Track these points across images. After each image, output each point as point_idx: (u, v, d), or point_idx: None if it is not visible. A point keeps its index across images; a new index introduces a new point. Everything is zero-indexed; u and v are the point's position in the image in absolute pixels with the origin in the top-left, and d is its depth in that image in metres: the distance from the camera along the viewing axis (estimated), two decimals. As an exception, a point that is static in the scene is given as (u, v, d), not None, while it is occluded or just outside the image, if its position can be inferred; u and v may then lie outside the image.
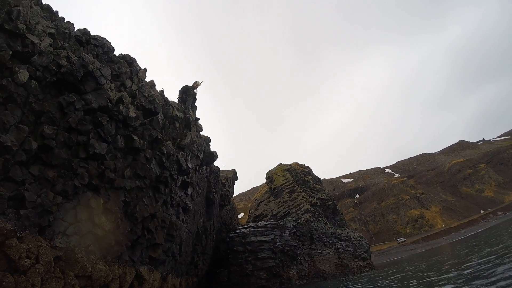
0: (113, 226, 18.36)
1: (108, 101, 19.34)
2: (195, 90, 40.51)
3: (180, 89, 40.14)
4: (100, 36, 24.06)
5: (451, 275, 19.33)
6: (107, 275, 17.21)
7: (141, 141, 21.79)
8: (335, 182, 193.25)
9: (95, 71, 19.02)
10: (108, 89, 19.90)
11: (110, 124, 19.25)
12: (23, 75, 15.25)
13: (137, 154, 21.60)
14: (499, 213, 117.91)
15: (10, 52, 15.19)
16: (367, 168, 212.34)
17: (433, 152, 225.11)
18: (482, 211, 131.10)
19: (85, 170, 17.01)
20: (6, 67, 14.92)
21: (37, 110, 15.61)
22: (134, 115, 21.59)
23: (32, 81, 15.72)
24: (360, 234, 67.62)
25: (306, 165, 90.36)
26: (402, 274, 29.54)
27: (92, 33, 23.39)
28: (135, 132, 21.73)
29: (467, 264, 21.60)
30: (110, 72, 20.80)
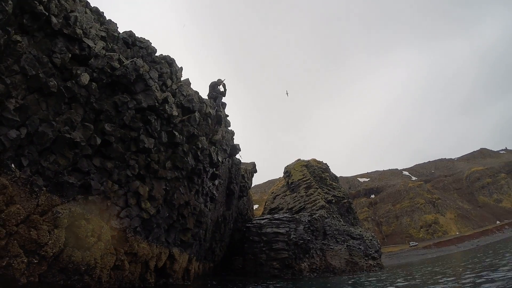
0: (155, 211, 20.98)
1: (156, 101, 21.77)
2: (219, 87, 42.34)
3: (209, 84, 42.15)
4: (144, 38, 26.53)
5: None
6: (148, 253, 20.02)
7: (181, 137, 24.26)
8: (352, 181, 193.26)
9: (145, 74, 21.40)
10: (155, 90, 22.31)
11: (156, 121, 21.74)
12: (85, 77, 17.47)
13: (176, 148, 24.14)
14: None
15: (70, 55, 17.22)
16: (385, 169, 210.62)
17: (453, 158, 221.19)
18: (498, 222, 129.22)
19: (135, 162, 19.63)
20: (66, 68, 17.03)
21: (97, 109, 18.00)
22: (177, 114, 24.10)
23: (93, 83, 17.98)
24: (373, 234, 68.94)
25: (324, 162, 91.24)
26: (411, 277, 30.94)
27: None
28: (176, 128, 24.16)
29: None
30: (157, 75, 23.28)
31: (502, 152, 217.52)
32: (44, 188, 13.71)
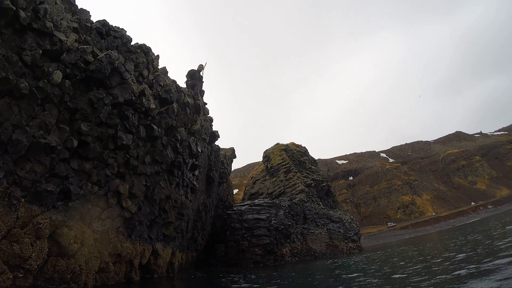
0: (137, 209, 20.71)
1: (132, 95, 21.13)
2: (201, 73, 41.68)
3: (187, 73, 41.40)
4: (118, 27, 25.53)
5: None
6: (132, 252, 19.86)
7: (159, 129, 23.81)
8: (330, 163, 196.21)
9: (120, 67, 20.65)
10: (132, 82, 21.64)
11: (134, 116, 21.15)
12: (58, 75, 16.56)
13: (155, 141, 23.70)
14: (490, 206, 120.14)
15: (40, 51, 16.25)
16: (362, 151, 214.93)
17: (429, 140, 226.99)
18: (472, 203, 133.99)
19: (114, 160, 19.12)
20: (37, 65, 16.11)
21: (71, 108, 17.19)
22: (155, 107, 23.54)
23: (66, 80, 17.09)
24: (352, 216, 70.45)
25: (303, 145, 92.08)
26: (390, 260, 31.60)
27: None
28: (153, 121, 23.63)
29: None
30: (133, 67, 22.54)
31: (477, 135, 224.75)
32: (23, 199, 13.17)
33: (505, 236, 25.13)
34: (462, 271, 13.62)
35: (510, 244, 19.05)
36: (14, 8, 14.89)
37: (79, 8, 23.33)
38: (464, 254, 19.46)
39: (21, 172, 13.64)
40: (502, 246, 18.92)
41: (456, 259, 18.66)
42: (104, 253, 17.20)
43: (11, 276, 11.73)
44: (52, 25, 17.22)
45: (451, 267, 16.38)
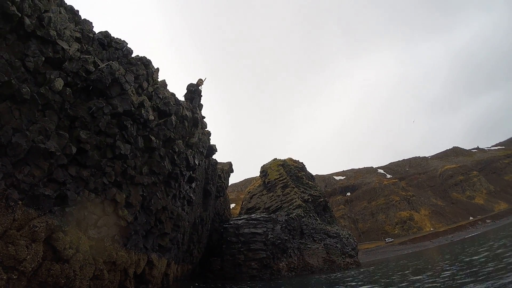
0: (133, 218, 20.77)
1: (132, 106, 21.46)
2: (200, 87, 42.15)
3: (186, 86, 41.86)
4: (120, 39, 25.98)
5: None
6: (127, 260, 19.86)
7: (157, 141, 24.03)
8: (327, 179, 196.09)
9: (120, 78, 21.01)
10: (131, 94, 22.00)
11: (132, 126, 21.43)
12: (59, 83, 16.92)
13: (153, 153, 23.88)
14: (488, 221, 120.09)
15: (43, 59, 16.58)
16: (360, 167, 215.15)
17: (426, 156, 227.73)
18: (471, 218, 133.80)
19: (112, 169, 19.31)
20: (39, 72, 16.43)
21: (71, 116, 17.50)
22: (153, 118, 23.81)
23: (67, 88, 17.43)
24: (349, 231, 70.10)
25: (300, 161, 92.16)
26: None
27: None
28: (152, 132, 23.89)
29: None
30: (133, 79, 22.92)
31: (474, 150, 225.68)
32: (20, 202, 13.31)
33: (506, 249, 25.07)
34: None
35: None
36: (20, 14, 15.30)
37: (82, 18, 23.78)
38: (466, 269, 19.36)
39: (20, 175, 13.80)
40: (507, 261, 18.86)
41: (457, 274, 18.60)
42: (99, 261, 17.23)
43: (5, 277, 11.81)
44: (55, 33, 17.60)
45: (449, 281, 16.34)
